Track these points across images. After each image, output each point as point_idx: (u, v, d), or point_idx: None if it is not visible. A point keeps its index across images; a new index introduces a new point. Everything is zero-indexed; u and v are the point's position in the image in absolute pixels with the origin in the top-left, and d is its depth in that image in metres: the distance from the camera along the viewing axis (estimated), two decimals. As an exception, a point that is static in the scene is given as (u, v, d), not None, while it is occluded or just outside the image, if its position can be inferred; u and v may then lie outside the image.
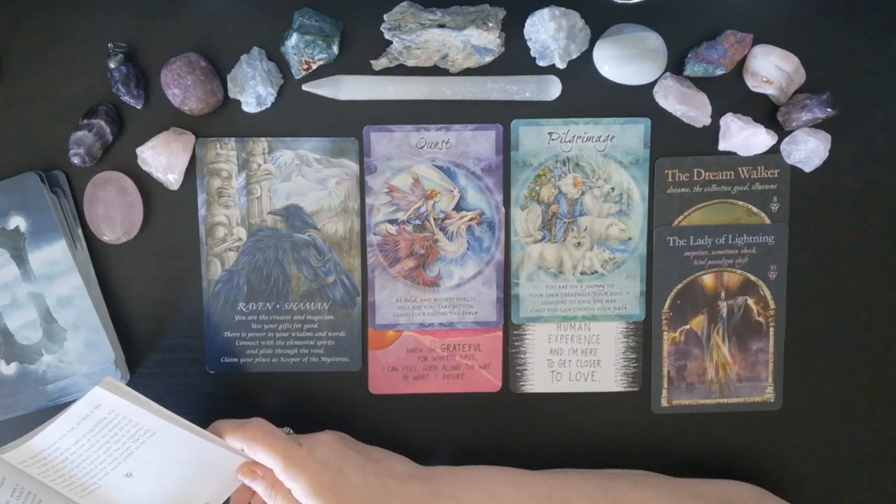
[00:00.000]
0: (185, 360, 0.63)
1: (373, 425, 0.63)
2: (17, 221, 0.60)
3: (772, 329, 0.64)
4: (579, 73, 0.61)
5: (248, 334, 0.63)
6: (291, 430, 0.61)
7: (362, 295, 0.63)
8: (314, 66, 0.60)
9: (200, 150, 0.61)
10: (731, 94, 0.62)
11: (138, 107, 0.60)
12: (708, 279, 0.63)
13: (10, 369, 0.61)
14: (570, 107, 0.61)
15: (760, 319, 0.64)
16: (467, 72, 0.60)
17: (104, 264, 0.62)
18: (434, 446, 0.64)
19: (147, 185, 0.61)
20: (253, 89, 0.59)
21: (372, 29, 0.60)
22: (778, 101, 0.61)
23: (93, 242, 0.61)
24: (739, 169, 0.62)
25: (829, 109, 0.59)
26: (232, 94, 0.60)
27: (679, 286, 0.63)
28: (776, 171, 0.62)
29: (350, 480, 0.55)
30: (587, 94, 0.61)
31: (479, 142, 0.62)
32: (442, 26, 0.58)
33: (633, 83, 0.60)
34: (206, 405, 0.63)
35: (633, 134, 0.62)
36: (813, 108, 0.60)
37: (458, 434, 0.64)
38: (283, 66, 0.60)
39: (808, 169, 0.62)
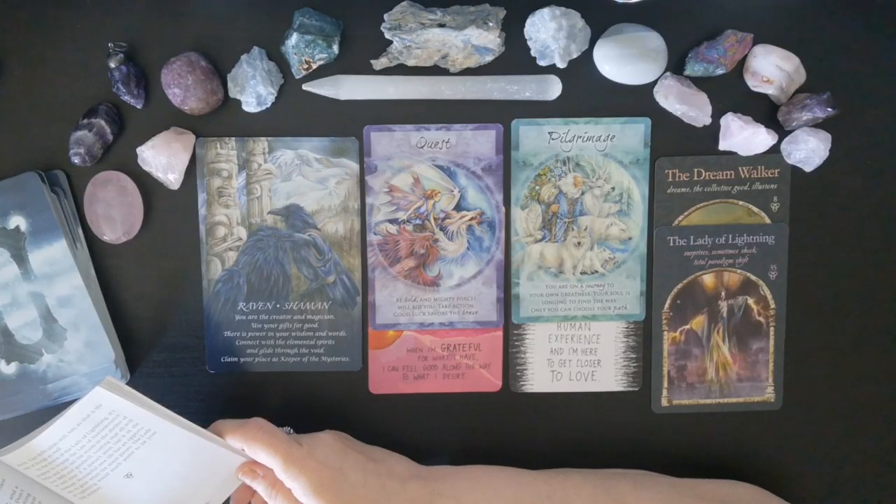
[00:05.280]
0: (185, 360, 0.63)
1: (373, 425, 0.63)
2: (17, 221, 0.60)
3: (772, 329, 0.64)
4: (579, 73, 0.61)
5: (249, 334, 0.63)
6: (292, 430, 0.61)
7: (362, 294, 0.63)
8: (314, 66, 0.60)
9: (201, 149, 0.61)
10: (731, 93, 0.62)
11: (138, 106, 0.60)
12: (708, 279, 0.63)
13: (11, 369, 0.61)
14: (570, 106, 0.61)
15: (760, 319, 0.64)
16: (467, 71, 0.60)
17: (104, 264, 0.62)
18: (434, 446, 0.64)
19: (147, 184, 0.61)
20: (253, 89, 0.59)
21: (372, 28, 0.60)
22: (778, 101, 0.61)
23: (93, 242, 0.61)
24: (739, 169, 0.62)
25: (829, 109, 0.59)
26: (232, 93, 0.60)
27: (679, 286, 0.63)
28: (776, 171, 0.62)
29: (350, 480, 0.55)
30: (587, 94, 0.61)
31: (480, 141, 0.62)
32: (442, 26, 0.58)
33: (634, 83, 0.60)
34: (207, 405, 0.63)
35: (633, 133, 0.62)
36: (813, 107, 0.60)
37: (458, 434, 0.64)
38: (283, 65, 0.60)
39: (808, 169, 0.62)
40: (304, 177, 0.62)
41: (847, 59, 0.62)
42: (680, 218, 0.63)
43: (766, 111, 0.62)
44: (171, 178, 0.60)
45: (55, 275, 0.60)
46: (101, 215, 0.60)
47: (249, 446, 0.56)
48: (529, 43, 0.60)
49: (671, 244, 0.63)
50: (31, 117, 0.60)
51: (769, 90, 0.61)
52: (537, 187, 0.62)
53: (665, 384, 0.64)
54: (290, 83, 0.61)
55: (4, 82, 0.60)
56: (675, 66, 0.61)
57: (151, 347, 0.63)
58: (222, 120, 0.61)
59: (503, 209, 0.62)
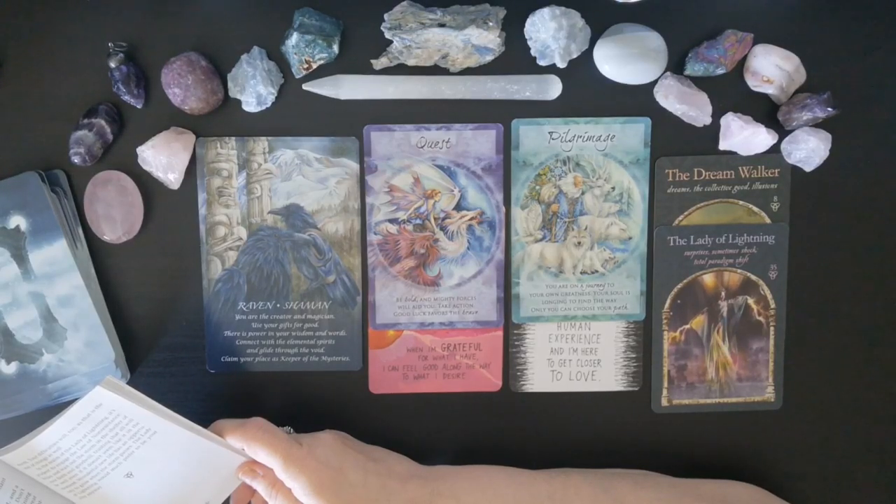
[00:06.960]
0: (185, 360, 0.63)
1: (373, 425, 0.63)
2: (17, 221, 0.60)
3: (772, 329, 0.64)
4: (580, 73, 0.61)
5: (249, 334, 0.63)
6: (292, 430, 0.61)
7: (362, 294, 0.63)
8: (314, 66, 0.60)
9: (201, 149, 0.61)
10: (731, 93, 0.62)
11: (139, 106, 0.60)
12: (708, 279, 0.63)
13: (11, 369, 0.61)
14: (570, 106, 0.61)
15: (760, 319, 0.64)
16: (468, 71, 0.60)
17: (104, 264, 0.62)
18: (434, 446, 0.64)
19: (147, 184, 0.61)
20: (253, 89, 0.59)
21: (372, 28, 0.60)
22: (778, 101, 0.61)
23: (93, 242, 0.61)
24: (740, 168, 0.62)
25: (829, 109, 0.59)
26: (232, 93, 0.60)
27: (679, 286, 0.63)
28: (776, 171, 0.62)
29: (350, 480, 0.55)
30: (587, 94, 0.61)
31: (480, 141, 0.62)
32: (442, 25, 0.58)
33: (634, 83, 0.60)
34: (207, 405, 0.63)
35: (633, 133, 0.62)
36: (813, 107, 0.60)
37: (458, 434, 0.64)
38: (283, 65, 0.60)
39: (808, 168, 0.62)
40: (304, 176, 0.62)
41: (847, 59, 0.62)
42: (680, 218, 0.63)
43: (766, 111, 0.62)
44: (172, 177, 0.60)
45: (55, 274, 0.60)
46: (101, 215, 0.60)
47: (249, 446, 0.56)
48: (529, 43, 0.60)
49: (671, 244, 0.63)
50: (31, 117, 0.60)
51: (769, 90, 0.61)
52: (537, 187, 0.62)
53: (665, 384, 0.64)
54: (290, 83, 0.61)
55: (4, 82, 0.60)
56: (675, 65, 0.61)
57: (151, 347, 0.63)
58: (222, 120, 0.61)
59: (503, 209, 0.62)
